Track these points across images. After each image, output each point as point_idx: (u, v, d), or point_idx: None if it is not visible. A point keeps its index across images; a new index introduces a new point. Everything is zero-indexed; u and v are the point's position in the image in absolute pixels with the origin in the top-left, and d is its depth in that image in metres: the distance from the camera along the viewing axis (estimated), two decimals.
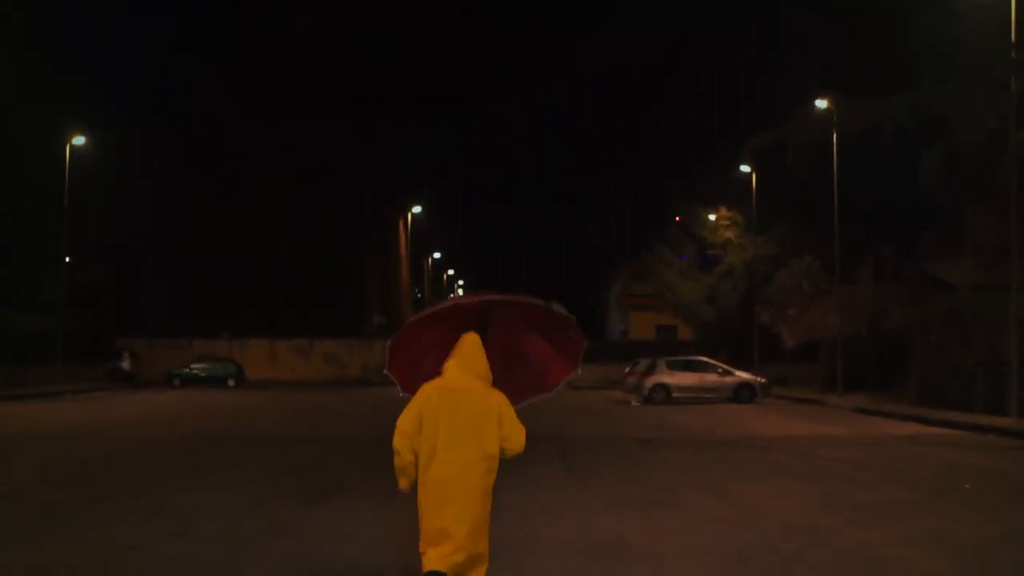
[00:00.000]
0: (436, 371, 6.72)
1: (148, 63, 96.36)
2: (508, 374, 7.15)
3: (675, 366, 40.07)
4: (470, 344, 6.57)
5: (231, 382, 53.29)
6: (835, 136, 39.70)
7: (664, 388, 38.92)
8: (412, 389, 6.86)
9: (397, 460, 6.47)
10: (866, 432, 25.66)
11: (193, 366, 54.58)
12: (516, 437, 6.46)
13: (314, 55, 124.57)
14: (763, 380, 40.31)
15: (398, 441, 6.43)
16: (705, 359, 41.74)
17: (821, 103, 40.86)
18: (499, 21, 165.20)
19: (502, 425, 6.40)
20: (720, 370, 39.85)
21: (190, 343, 62.06)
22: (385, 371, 7.44)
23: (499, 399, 6.49)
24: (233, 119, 74.70)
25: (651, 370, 39.77)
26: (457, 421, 6.32)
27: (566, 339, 7.39)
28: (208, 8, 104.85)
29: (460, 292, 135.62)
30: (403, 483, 6.60)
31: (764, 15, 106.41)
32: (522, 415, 6.74)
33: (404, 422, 6.43)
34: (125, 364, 55.65)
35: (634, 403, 38.98)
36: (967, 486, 15.57)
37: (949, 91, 33.10)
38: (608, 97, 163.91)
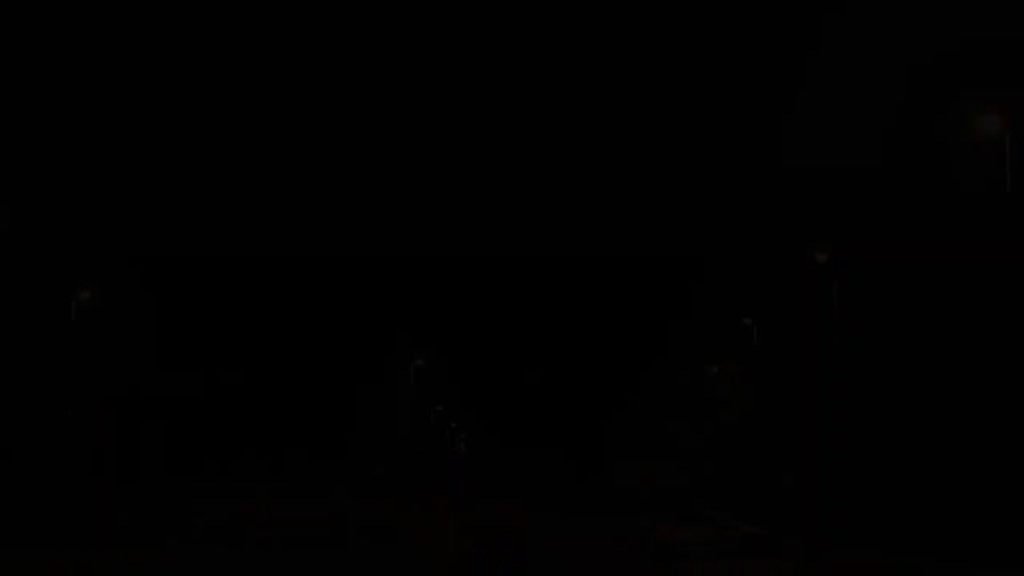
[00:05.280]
0: None
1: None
2: None
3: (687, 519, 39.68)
4: None
5: None
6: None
7: (674, 543, 38.14)
8: None
9: None
10: None
11: None
12: None
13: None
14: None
15: None
16: (717, 513, 41.33)
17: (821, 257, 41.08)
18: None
19: None
20: (733, 524, 39.21)
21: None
22: None
23: None
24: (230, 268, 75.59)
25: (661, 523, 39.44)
26: None
27: None
28: None
29: (463, 446, 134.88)
30: None
31: (765, 173, 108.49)
32: None
33: None
34: None
35: (644, 556, 38.20)
36: None
37: None
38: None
